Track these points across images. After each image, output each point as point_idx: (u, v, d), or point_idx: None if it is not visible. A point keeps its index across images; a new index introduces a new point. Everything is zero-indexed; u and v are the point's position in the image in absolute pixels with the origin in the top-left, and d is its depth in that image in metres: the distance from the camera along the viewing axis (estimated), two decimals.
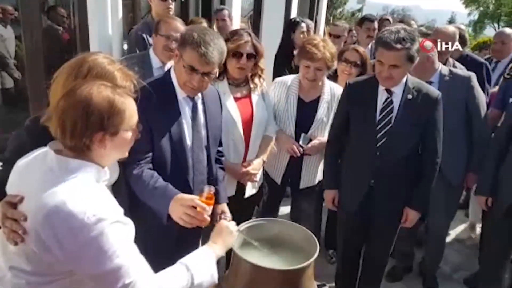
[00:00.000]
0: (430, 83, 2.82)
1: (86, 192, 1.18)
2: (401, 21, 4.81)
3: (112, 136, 1.25)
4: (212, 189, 1.68)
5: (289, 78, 2.78)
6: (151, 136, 1.85)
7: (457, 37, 3.32)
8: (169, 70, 2.02)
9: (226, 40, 2.41)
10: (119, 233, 1.17)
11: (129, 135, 1.31)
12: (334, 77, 3.07)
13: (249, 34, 2.43)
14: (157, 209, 1.79)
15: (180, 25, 2.82)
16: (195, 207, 1.65)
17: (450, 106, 2.77)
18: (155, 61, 2.84)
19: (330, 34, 4.31)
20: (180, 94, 1.96)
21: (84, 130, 1.19)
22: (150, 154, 1.87)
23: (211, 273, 1.40)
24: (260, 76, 2.55)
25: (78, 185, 1.19)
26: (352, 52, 3.07)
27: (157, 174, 1.85)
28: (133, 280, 1.17)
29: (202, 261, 1.40)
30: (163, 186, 1.80)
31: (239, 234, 1.71)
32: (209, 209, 1.67)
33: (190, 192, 1.87)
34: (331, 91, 2.76)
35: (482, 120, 2.84)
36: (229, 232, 1.60)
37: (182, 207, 1.66)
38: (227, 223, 1.63)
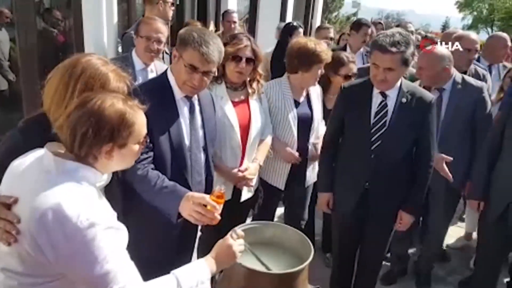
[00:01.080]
0: (442, 90, 2.86)
1: (81, 195, 1.18)
2: (398, 26, 4.86)
3: (120, 148, 1.27)
4: (223, 188, 1.69)
5: (279, 81, 2.79)
6: (152, 136, 1.85)
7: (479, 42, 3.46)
8: (165, 71, 2.03)
9: (225, 44, 2.41)
10: (111, 239, 1.18)
11: (136, 148, 1.32)
12: (327, 84, 3.10)
13: (249, 39, 2.43)
14: (165, 208, 1.79)
15: (161, 26, 2.82)
16: (205, 205, 1.66)
17: (458, 113, 2.82)
18: (137, 63, 2.83)
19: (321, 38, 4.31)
20: (178, 94, 1.97)
21: (93, 141, 1.21)
22: (151, 154, 1.87)
23: None
24: (258, 81, 2.55)
25: (73, 187, 1.19)
26: (352, 66, 3.10)
27: (162, 174, 1.85)
28: (121, 287, 1.17)
29: (195, 277, 1.36)
30: (171, 185, 1.81)
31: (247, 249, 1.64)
32: (219, 208, 1.68)
33: (190, 190, 1.87)
34: (313, 89, 2.84)
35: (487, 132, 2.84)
36: (231, 254, 1.48)
37: (193, 205, 1.67)
38: (232, 243, 1.50)
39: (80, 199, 1.16)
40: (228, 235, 1.53)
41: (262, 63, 2.54)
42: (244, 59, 2.37)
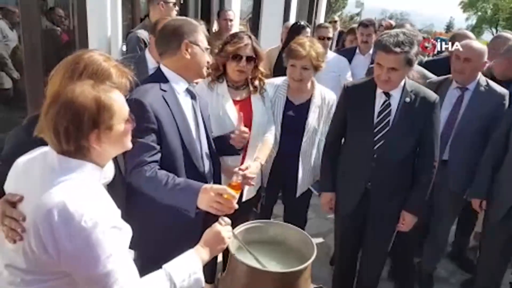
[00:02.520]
0: (465, 89, 2.84)
1: (85, 194, 1.18)
2: (394, 27, 4.81)
3: (107, 132, 1.25)
4: (240, 178, 1.74)
5: (279, 80, 2.76)
6: (158, 135, 1.86)
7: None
8: (158, 68, 2.03)
9: (226, 43, 2.43)
10: (114, 239, 1.18)
11: (122, 127, 1.30)
12: None
13: (250, 37, 2.43)
14: (182, 205, 1.78)
15: None
16: (221, 195, 1.68)
17: (475, 116, 2.78)
18: (150, 61, 2.85)
19: (319, 37, 4.27)
20: (181, 88, 1.98)
21: (77, 132, 1.19)
22: (159, 156, 1.86)
23: (195, 279, 1.37)
24: (260, 79, 2.55)
25: (78, 186, 1.19)
26: None
27: (172, 171, 1.85)
28: (119, 286, 1.18)
29: (186, 268, 1.37)
30: (183, 181, 1.80)
31: (234, 238, 1.67)
32: (237, 197, 1.72)
33: (204, 181, 1.89)
34: (322, 95, 2.72)
35: None
36: (220, 239, 1.50)
37: (213, 196, 1.68)
38: (221, 229, 1.52)
39: (85, 198, 1.16)
40: (216, 223, 1.55)
41: (263, 61, 2.52)
42: (244, 58, 2.38)
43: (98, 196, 1.22)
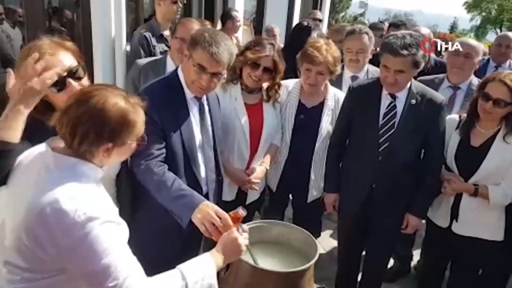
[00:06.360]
0: (458, 88, 2.86)
1: (79, 191, 1.19)
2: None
3: (119, 147, 1.28)
4: (244, 213, 1.64)
5: (291, 82, 2.69)
6: (164, 132, 1.85)
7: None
8: (176, 70, 2.02)
9: (247, 48, 2.37)
10: (110, 233, 1.18)
11: (133, 145, 1.33)
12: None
13: (273, 47, 2.36)
14: (177, 212, 1.76)
15: (197, 27, 2.75)
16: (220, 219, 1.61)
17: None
18: (170, 64, 2.78)
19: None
20: (189, 94, 1.96)
21: (94, 141, 1.22)
22: (164, 150, 1.86)
23: (209, 283, 1.36)
24: (276, 91, 2.51)
25: (72, 183, 1.20)
26: (498, 85, 2.19)
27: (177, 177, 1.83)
28: (120, 281, 1.17)
29: (200, 271, 1.36)
30: (188, 189, 1.78)
31: (246, 250, 1.61)
32: (232, 229, 1.62)
33: (200, 188, 1.88)
34: (335, 97, 2.65)
35: None
36: (237, 247, 1.50)
37: (211, 216, 1.61)
38: (238, 236, 1.51)
39: (78, 194, 1.17)
40: (233, 229, 1.53)
41: (281, 74, 2.45)
42: (261, 68, 2.33)
43: (92, 193, 1.23)
